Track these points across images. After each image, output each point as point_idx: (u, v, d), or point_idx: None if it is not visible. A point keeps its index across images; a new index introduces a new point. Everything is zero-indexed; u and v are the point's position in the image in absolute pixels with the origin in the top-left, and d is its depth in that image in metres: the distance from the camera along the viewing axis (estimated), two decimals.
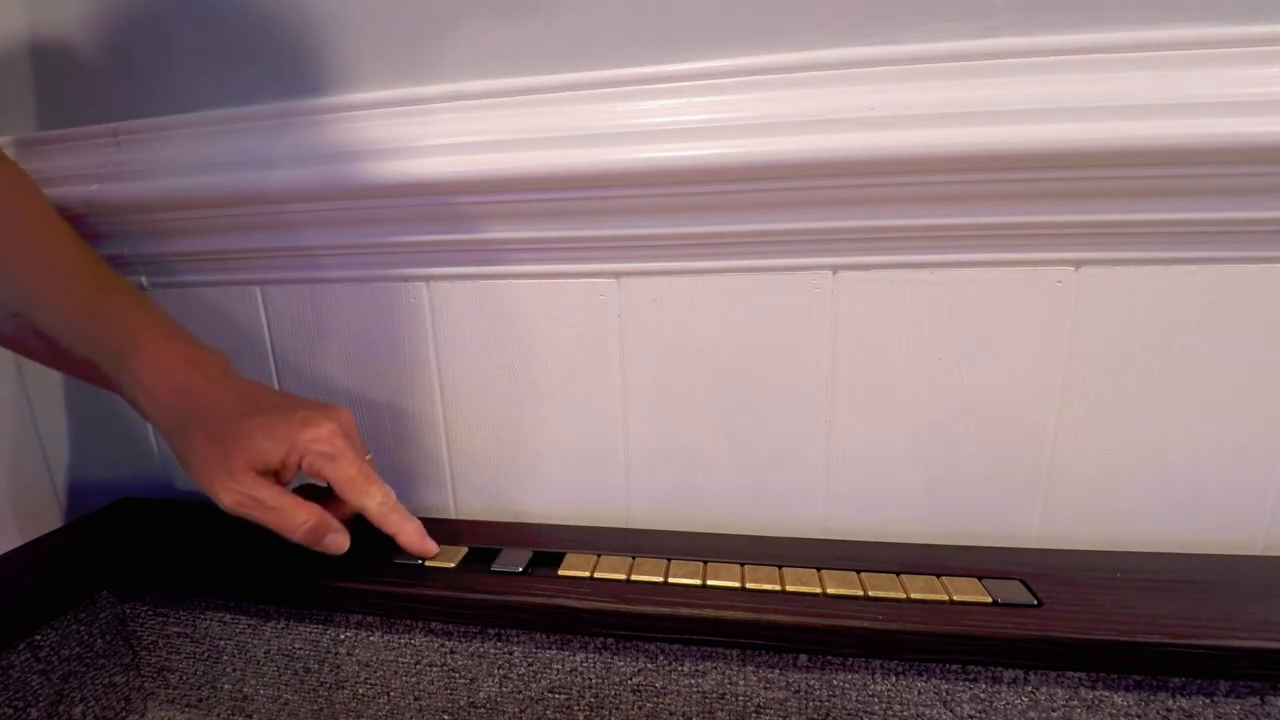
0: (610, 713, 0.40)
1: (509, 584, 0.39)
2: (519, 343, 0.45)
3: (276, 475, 0.37)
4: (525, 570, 0.40)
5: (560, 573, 0.39)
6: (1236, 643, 0.31)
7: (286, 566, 0.41)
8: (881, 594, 0.36)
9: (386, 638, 0.42)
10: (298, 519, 0.36)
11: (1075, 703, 0.34)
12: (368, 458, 0.40)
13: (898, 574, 0.37)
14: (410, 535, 0.40)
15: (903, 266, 0.39)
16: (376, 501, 0.39)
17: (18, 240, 0.37)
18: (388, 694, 0.43)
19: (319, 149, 0.42)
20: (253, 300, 0.49)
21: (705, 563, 0.39)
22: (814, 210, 0.38)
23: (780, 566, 0.39)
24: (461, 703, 0.42)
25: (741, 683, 0.38)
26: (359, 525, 0.48)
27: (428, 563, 0.41)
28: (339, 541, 0.38)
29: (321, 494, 0.39)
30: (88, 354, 0.37)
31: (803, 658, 0.37)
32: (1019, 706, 0.35)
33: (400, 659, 0.42)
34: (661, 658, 0.38)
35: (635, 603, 0.36)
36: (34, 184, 0.40)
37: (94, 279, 0.39)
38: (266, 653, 0.45)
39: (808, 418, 0.43)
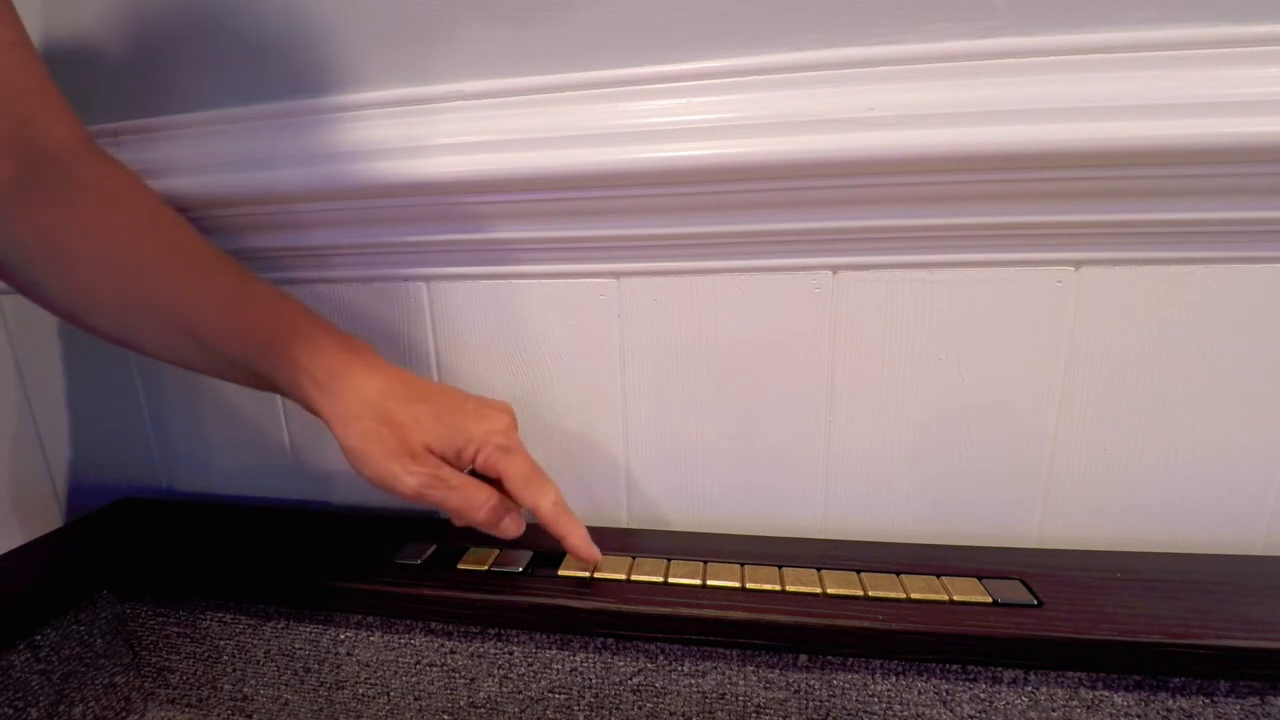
0: (610, 713, 0.40)
1: (509, 584, 0.39)
2: (519, 342, 0.45)
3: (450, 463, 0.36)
4: (525, 570, 0.40)
5: (560, 573, 0.39)
6: (1236, 643, 0.31)
7: (286, 566, 0.41)
8: (881, 594, 0.36)
9: (386, 638, 0.42)
10: (480, 497, 0.35)
11: (1075, 703, 0.34)
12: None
13: (898, 574, 0.37)
14: (579, 539, 0.38)
15: (903, 266, 0.39)
16: (550, 500, 0.37)
17: (159, 238, 0.35)
18: (388, 694, 0.43)
19: (321, 149, 0.42)
20: None
21: (705, 563, 0.39)
22: (814, 210, 0.38)
23: (780, 566, 0.39)
24: (461, 703, 0.42)
25: (741, 683, 0.38)
26: (360, 528, 0.48)
27: (419, 562, 0.41)
28: (517, 524, 0.37)
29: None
30: (242, 352, 0.35)
31: (803, 658, 0.37)
32: (1019, 706, 0.35)
33: (400, 659, 0.42)
34: (661, 658, 0.38)
35: (635, 603, 0.36)
36: (145, 184, 0.37)
37: (233, 271, 0.37)
38: (266, 653, 0.45)
39: (808, 418, 0.43)
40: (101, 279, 0.34)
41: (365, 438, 0.34)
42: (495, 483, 0.37)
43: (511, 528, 0.37)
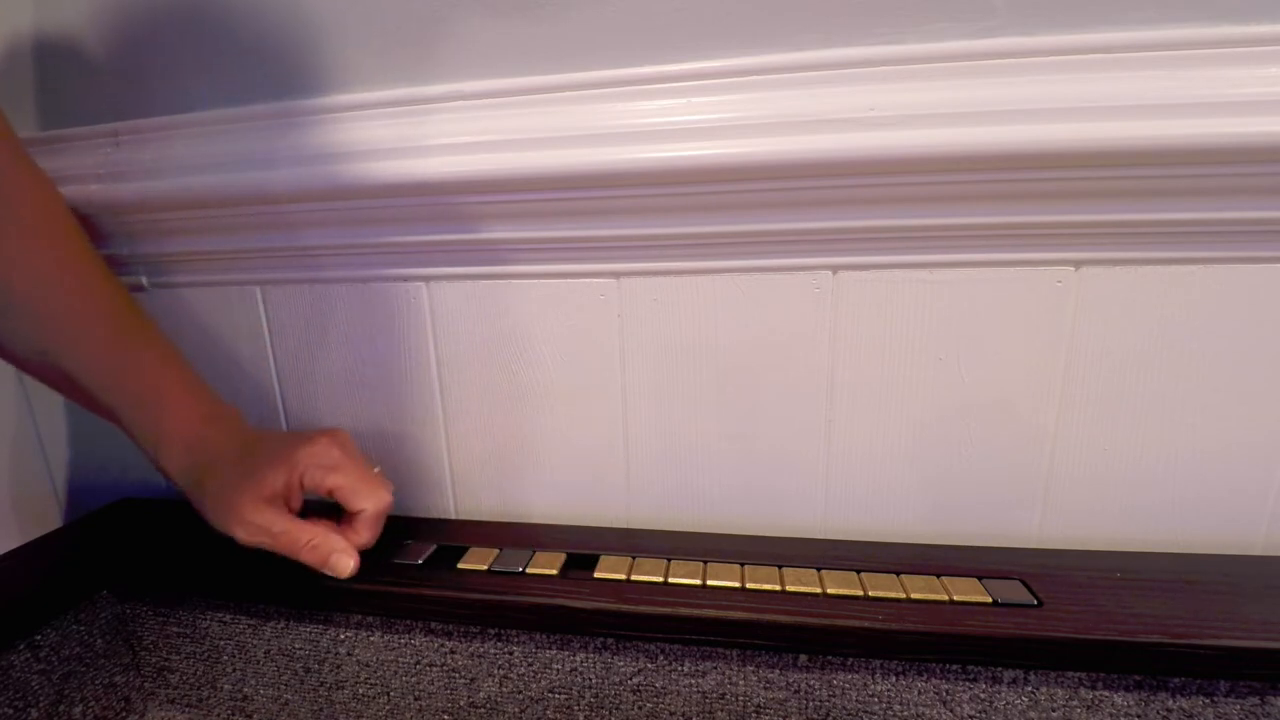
0: (610, 713, 0.40)
1: (509, 584, 0.39)
2: (519, 343, 0.45)
3: (285, 503, 0.39)
4: (524, 570, 0.40)
5: (560, 573, 0.39)
6: (1236, 643, 0.31)
7: (286, 567, 0.41)
8: (881, 594, 0.36)
9: (386, 638, 0.42)
10: (302, 539, 0.39)
11: (1075, 703, 0.34)
12: (375, 470, 0.42)
13: (898, 574, 0.37)
14: (346, 548, 0.40)
15: (903, 266, 0.39)
16: (373, 507, 0.40)
17: (49, 288, 0.36)
18: (388, 694, 0.43)
19: (319, 149, 0.42)
20: (253, 300, 0.49)
21: (705, 563, 0.39)
22: (814, 210, 0.38)
23: (780, 566, 0.39)
24: (461, 703, 0.42)
25: (741, 683, 0.38)
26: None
27: (419, 562, 0.41)
28: (343, 562, 0.39)
29: (334, 517, 0.42)
30: (110, 403, 0.38)
31: (803, 658, 0.37)
32: (1019, 706, 0.35)
33: (400, 659, 0.42)
34: (661, 658, 0.38)
35: (635, 603, 0.36)
36: (65, 208, 0.39)
37: (123, 328, 0.39)
38: (266, 653, 0.45)
39: (808, 418, 0.43)
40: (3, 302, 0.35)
41: (205, 501, 0.39)
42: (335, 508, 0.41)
43: (338, 564, 0.39)
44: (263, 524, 0.38)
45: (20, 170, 0.36)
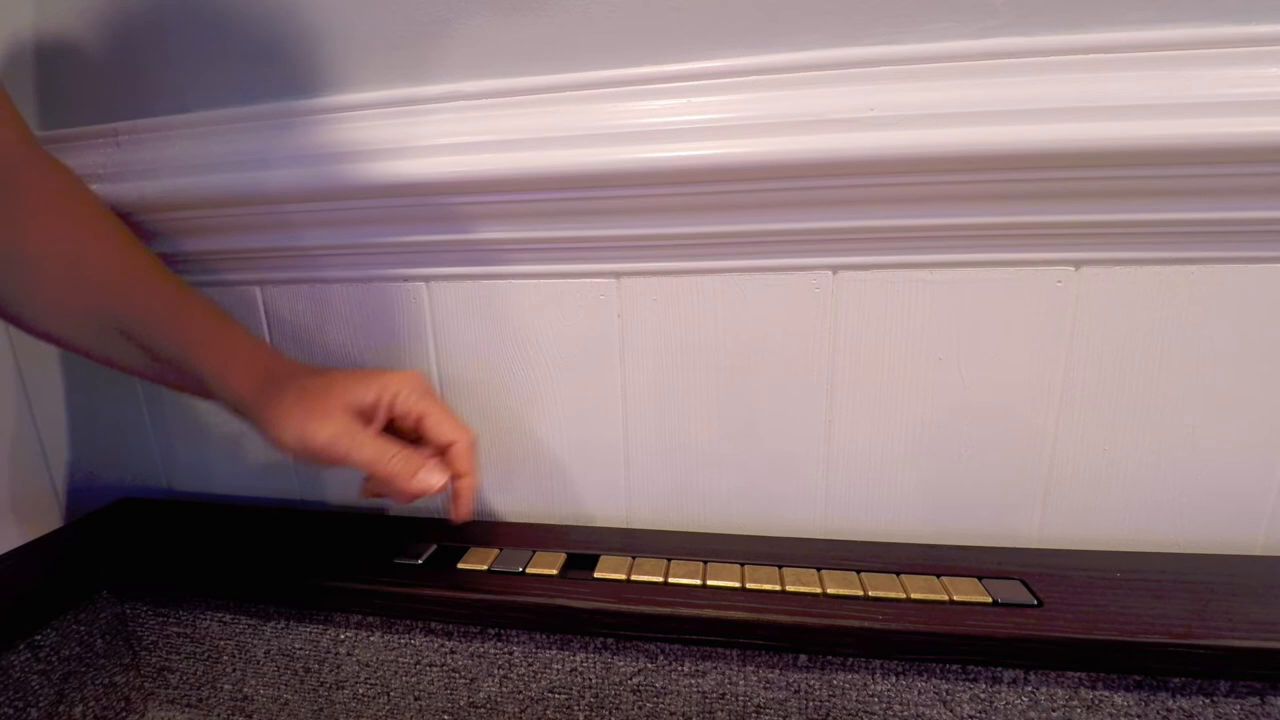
0: (610, 713, 0.40)
1: (509, 584, 0.39)
2: (519, 343, 0.45)
3: (367, 422, 0.37)
4: (524, 570, 0.40)
5: (559, 573, 0.39)
6: (1236, 643, 0.31)
7: (286, 566, 0.41)
8: (881, 594, 0.36)
9: (386, 638, 0.42)
10: (391, 449, 0.35)
11: (1075, 703, 0.34)
12: None
13: (898, 574, 0.37)
14: (471, 487, 0.38)
15: (903, 266, 0.39)
16: (469, 439, 0.38)
17: (102, 238, 0.37)
18: (388, 694, 0.43)
19: (319, 149, 0.42)
20: (253, 300, 0.49)
21: (705, 563, 0.39)
22: (814, 210, 0.38)
23: (780, 566, 0.39)
24: (461, 703, 0.42)
25: (741, 683, 0.38)
26: (360, 527, 0.48)
27: (419, 562, 0.41)
28: (434, 475, 0.36)
29: None
30: (175, 342, 0.37)
31: (803, 658, 0.37)
32: (1019, 706, 0.35)
33: (400, 659, 0.42)
34: (661, 658, 0.38)
35: (635, 603, 0.36)
36: (88, 187, 0.39)
37: (168, 275, 0.39)
38: (266, 653, 0.45)
39: (808, 418, 0.43)
40: (44, 278, 0.35)
41: (278, 412, 0.35)
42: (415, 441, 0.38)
43: (430, 479, 0.36)
44: (350, 429, 0.35)
45: (38, 149, 0.36)
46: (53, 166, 0.37)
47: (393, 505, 0.51)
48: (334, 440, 0.34)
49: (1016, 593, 0.35)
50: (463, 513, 0.39)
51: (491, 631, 0.40)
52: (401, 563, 0.42)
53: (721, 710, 0.38)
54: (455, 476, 0.38)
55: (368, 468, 0.35)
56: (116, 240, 0.38)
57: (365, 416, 0.37)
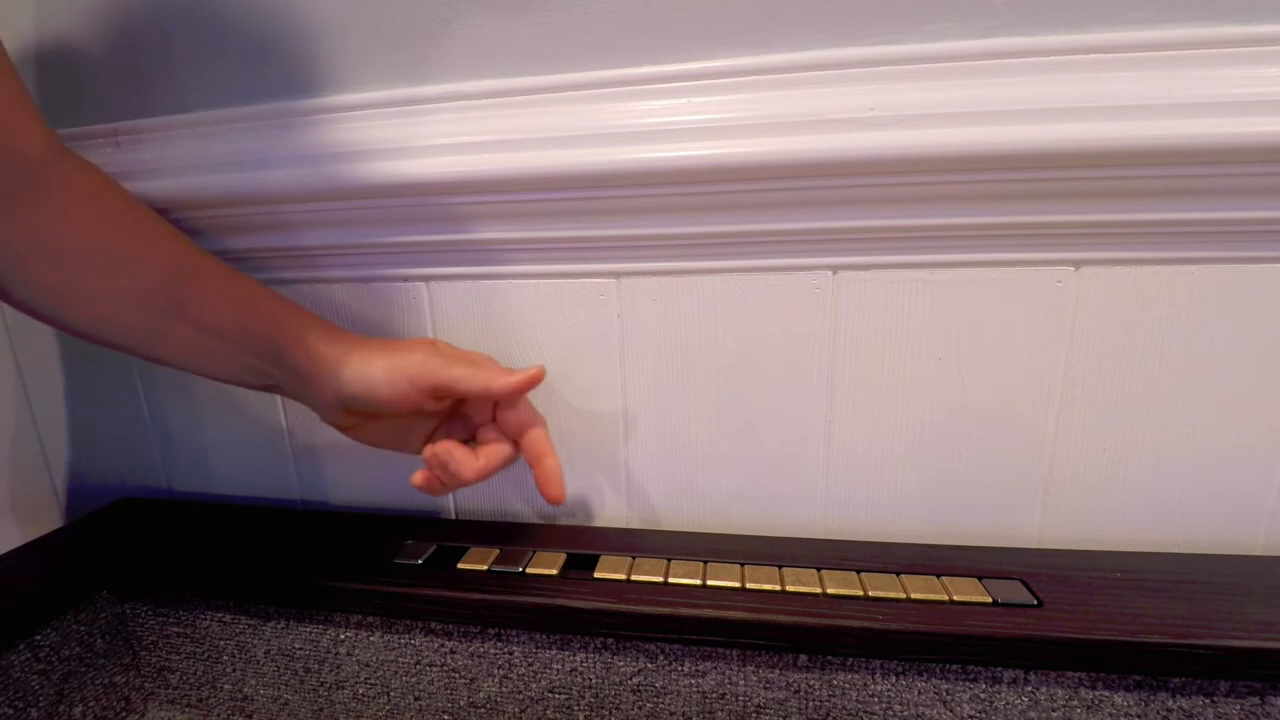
0: (610, 713, 0.40)
1: (509, 584, 0.39)
2: (519, 343, 0.45)
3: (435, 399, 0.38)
4: (524, 570, 0.40)
5: (559, 573, 0.39)
6: (1236, 643, 0.31)
7: (286, 566, 0.41)
8: (881, 594, 0.36)
9: (386, 638, 0.42)
10: (481, 358, 0.39)
11: (1075, 703, 0.34)
12: None
13: (898, 574, 0.37)
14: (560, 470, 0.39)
15: (903, 266, 0.39)
16: (543, 422, 0.40)
17: (142, 227, 0.36)
18: (388, 694, 0.43)
19: (319, 149, 0.42)
20: None
21: (705, 563, 0.39)
22: (814, 210, 0.38)
23: (780, 566, 0.39)
24: (461, 703, 0.42)
25: (741, 683, 0.38)
26: (360, 527, 0.48)
27: (419, 562, 0.41)
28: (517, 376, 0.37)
29: None
30: (239, 315, 0.36)
31: (803, 658, 0.37)
32: (1019, 706, 0.35)
33: (400, 659, 0.42)
34: (661, 658, 0.38)
35: (635, 603, 0.36)
36: (116, 182, 0.39)
37: (216, 258, 0.38)
38: (266, 653, 0.45)
39: (808, 418, 0.43)
40: (87, 271, 0.34)
41: (368, 347, 0.37)
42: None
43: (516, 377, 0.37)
44: (439, 352, 0.37)
45: (65, 147, 0.36)
46: (82, 164, 0.36)
47: (393, 505, 0.51)
48: (426, 359, 0.36)
49: (1016, 593, 0.35)
50: (557, 492, 0.38)
51: (491, 631, 0.40)
52: (401, 563, 0.42)
53: (721, 710, 0.38)
54: (537, 459, 0.39)
55: (459, 381, 0.36)
56: (156, 227, 0.37)
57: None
